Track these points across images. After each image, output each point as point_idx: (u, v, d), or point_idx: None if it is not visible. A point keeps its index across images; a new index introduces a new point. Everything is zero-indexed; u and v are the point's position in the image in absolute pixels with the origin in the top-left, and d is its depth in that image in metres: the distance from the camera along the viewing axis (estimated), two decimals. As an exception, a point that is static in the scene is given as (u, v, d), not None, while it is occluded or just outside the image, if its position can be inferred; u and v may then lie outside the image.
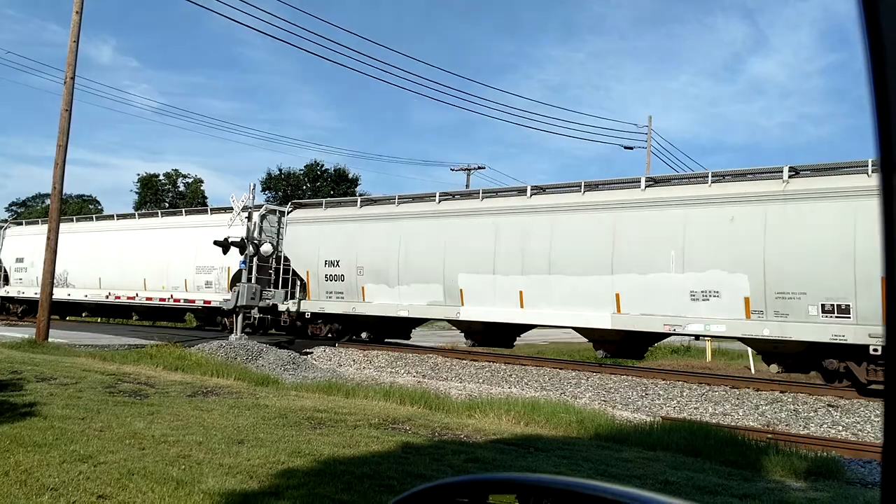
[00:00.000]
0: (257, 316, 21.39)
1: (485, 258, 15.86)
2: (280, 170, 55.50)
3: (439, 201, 17.32)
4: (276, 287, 19.64)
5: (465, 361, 16.50)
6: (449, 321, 17.34)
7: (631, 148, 33.86)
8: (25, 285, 27.22)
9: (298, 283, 19.91)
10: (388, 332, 19.90)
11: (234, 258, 19.11)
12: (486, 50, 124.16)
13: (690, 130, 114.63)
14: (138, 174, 63.30)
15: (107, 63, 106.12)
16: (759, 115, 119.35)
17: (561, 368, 15.37)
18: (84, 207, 58.25)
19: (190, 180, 61.84)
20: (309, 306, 19.37)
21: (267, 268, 21.13)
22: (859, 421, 10.64)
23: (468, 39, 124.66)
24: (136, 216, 26.74)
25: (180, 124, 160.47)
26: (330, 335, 19.84)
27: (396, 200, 18.28)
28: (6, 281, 29.24)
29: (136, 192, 60.28)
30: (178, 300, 22.54)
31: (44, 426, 6.32)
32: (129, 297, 24.04)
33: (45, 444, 5.61)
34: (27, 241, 27.58)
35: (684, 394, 12.79)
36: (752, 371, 18.84)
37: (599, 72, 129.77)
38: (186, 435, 6.25)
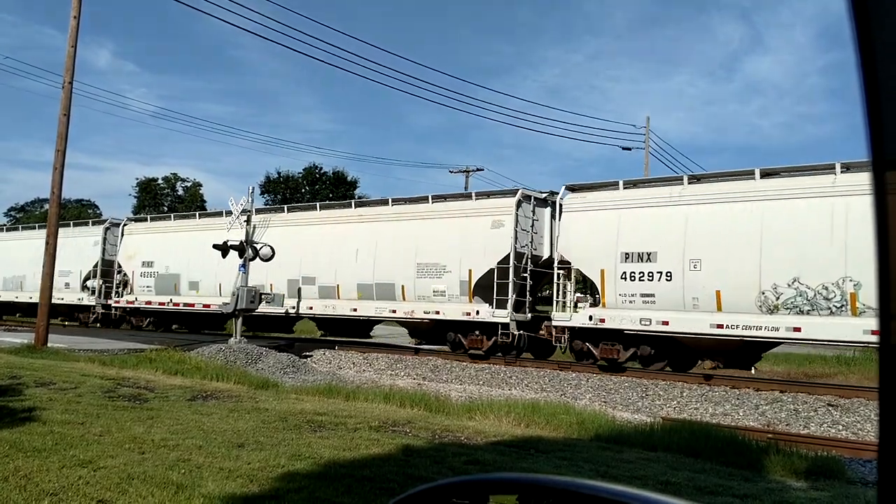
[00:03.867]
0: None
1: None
2: (279, 173, 55.54)
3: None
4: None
5: (464, 363, 16.50)
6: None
7: (629, 149, 33.86)
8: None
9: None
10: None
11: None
12: (483, 52, 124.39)
13: (689, 131, 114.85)
14: (137, 178, 63.35)
15: (104, 67, 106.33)
16: (757, 115, 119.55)
17: (561, 370, 15.37)
18: (83, 212, 58.28)
19: (189, 184, 61.88)
20: None
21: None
22: (859, 420, 10.65)
23: (465, 41, 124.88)
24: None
25: (178, 128, 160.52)
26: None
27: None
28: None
29: (135, 197, 60.31)
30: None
31: (43, 431, 6.31)
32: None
33: (44, 449, 5.60)
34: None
35: (684, 394, 12.79)
36: (752, 371, 18.82)
37: (597, 73, 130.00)
38: (186, 439, 6.24)
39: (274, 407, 8.41)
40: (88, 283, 26.11)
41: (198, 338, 20.76)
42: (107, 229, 26.29)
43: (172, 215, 25.87)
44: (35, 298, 26.52)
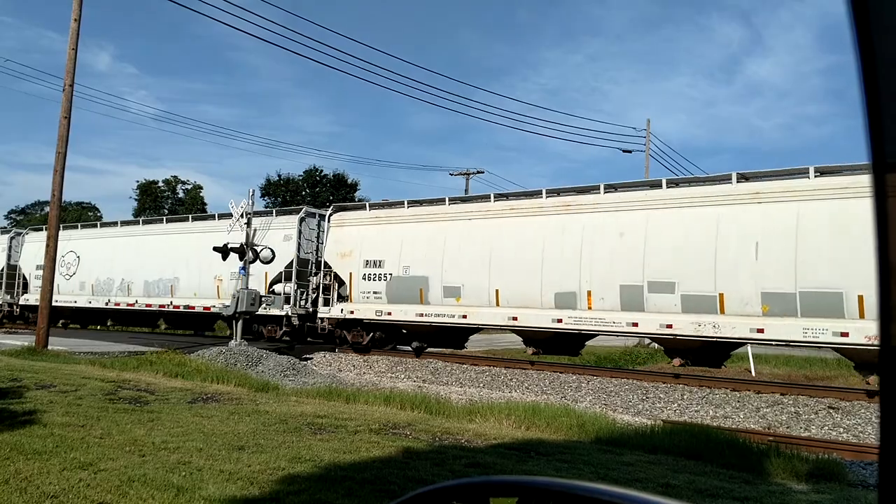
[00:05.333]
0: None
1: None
2: (279, 175, 55.56)
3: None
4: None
5: (465, 366, 16.49)
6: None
7: (629, 151, 33.97)
8: None
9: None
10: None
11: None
12: (482, 53, 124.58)
13: (688, 132, 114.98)
14: (137, 181, 63.35)
15: (105, 70, 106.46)
16: (757, 117, 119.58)
17: (561, 372, 15.36)
18: (83, 214, 58.31)
19: (189, 187, 61.92)
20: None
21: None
22: (860, 423, 10.64)
23: (465, 43, 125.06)
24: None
25: (178, 131, 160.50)
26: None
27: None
28: None
29: (136, 199, 60.36)
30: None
31: (44, 434, 6.31)
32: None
33: (45, 451, 5.60)
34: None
35: (685, 397, 12.78)
36: (753, 373, 18.83)
37: (596, 74, 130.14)
38: (187, 441, 6.24)
39: (274, 409, 8.40)
40: (276, 287, 20.51)
41: (199, 340, 20.76)
42: (302, 220, 20.73)
43: (406, 201, 19.13)
44: (184, 305, 21.85)
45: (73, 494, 4.49)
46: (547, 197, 16.06)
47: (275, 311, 19.58)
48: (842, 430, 10.48)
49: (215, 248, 18.04)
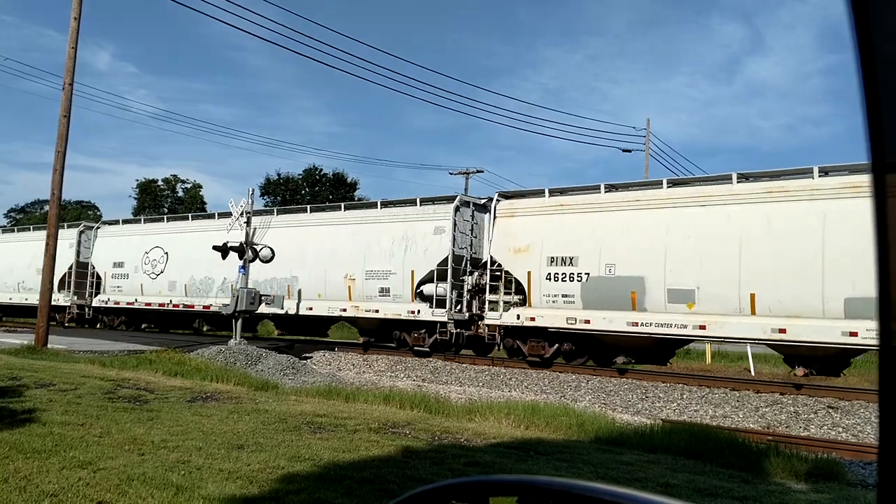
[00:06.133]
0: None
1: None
2: (279, 175, 55.51)
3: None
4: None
5: (464, 365, 16.49)
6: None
7: (629, 151, 33.92)
8: None
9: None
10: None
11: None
12: (482, 53, 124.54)
13: (689, 133, 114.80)
14: (137, 180, 63.34)
15: (105, 69, 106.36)
16: (758, 117, 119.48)
17: (561, 372, 15.36)
18: (83, 213, 58.31)
19: (189, 186, 61.91)
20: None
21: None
22: (860, 422, 10.65)
23: (465, 42, 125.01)
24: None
25: (179, 130, 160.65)
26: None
27: None
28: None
29: (135, 198, 60.35)
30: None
31: (43, 432, 6.30)
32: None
33: (44, 450, 5.60)
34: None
35: (684, 396, 12.79)
36: (752, 373, 18.85)
37: (596, 74, 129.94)
38: (186, 440, 6.24)
39: (274, 408, 8.41)
40: (425, 288, 17.63)
41: (198, 339, 20.76)
42: (456, 209, 17.51)
43: (602, 185, 15.79)
44: (305, 307, 18.73)
45: (73, 493, 4.49)
46: (819, 176, 12.75)
47: (407, 314, 17.69)
48: (841, 429, 10.49)
49: (215, 247, 18.06)
